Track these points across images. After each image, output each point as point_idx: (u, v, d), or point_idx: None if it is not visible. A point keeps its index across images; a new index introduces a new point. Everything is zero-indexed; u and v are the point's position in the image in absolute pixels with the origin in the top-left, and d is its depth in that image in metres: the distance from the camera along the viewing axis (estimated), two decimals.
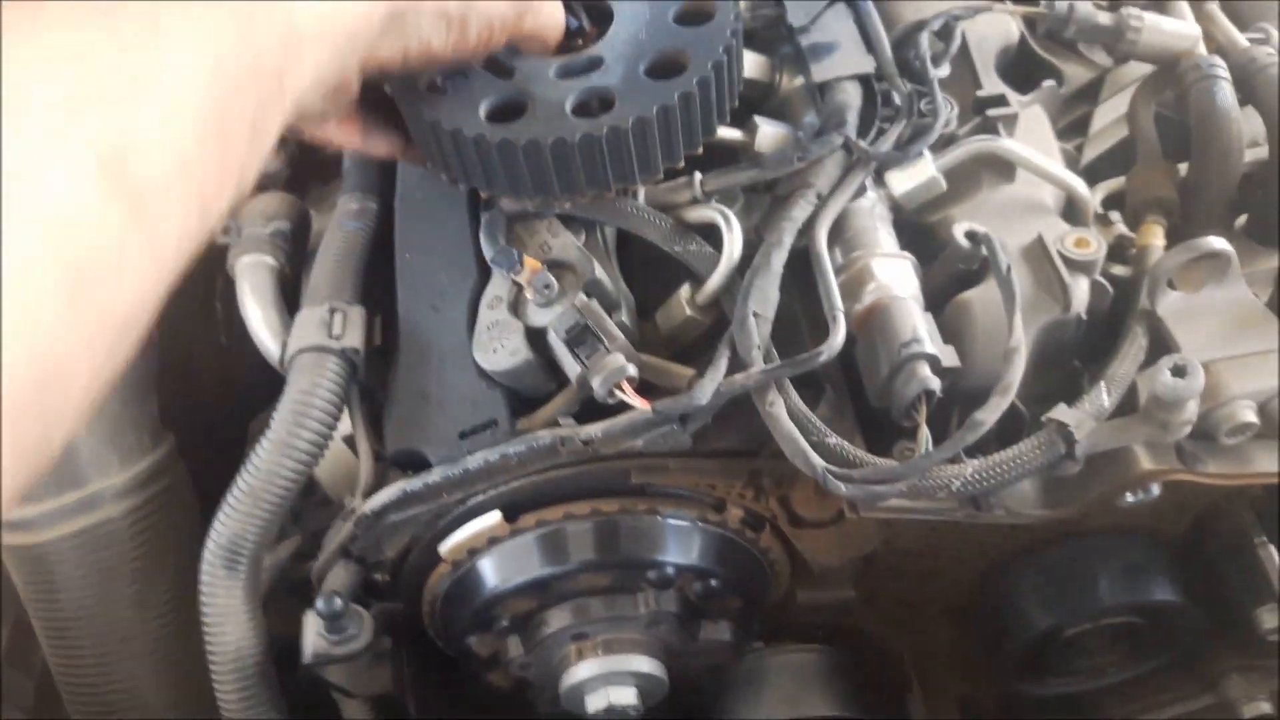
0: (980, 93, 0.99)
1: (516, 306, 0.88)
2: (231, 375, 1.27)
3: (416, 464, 0.89)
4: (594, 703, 0.90)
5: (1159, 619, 0.96)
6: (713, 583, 0.92)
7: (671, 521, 0.89)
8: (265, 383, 1.12)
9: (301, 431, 0.86)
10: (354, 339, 0.91)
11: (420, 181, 1.00)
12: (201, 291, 1.25)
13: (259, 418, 1.13)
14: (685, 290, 0.89)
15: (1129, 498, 0.86)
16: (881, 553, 0.95)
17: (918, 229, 0.94)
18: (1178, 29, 1.02)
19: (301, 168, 1.16)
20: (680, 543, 0.90)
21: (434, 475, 0.86)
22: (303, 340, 0.90)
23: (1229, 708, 1.04)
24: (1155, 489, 0.85)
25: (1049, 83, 1.05)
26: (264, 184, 1.10)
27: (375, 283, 0.99)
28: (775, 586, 0.98)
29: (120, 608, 0.97)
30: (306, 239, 1.06)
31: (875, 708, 1.05)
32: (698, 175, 0.90)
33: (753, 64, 1.00)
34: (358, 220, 0.98)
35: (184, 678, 1.02)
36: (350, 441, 0.95)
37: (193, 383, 1.29)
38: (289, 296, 1.02)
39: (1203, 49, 1.02)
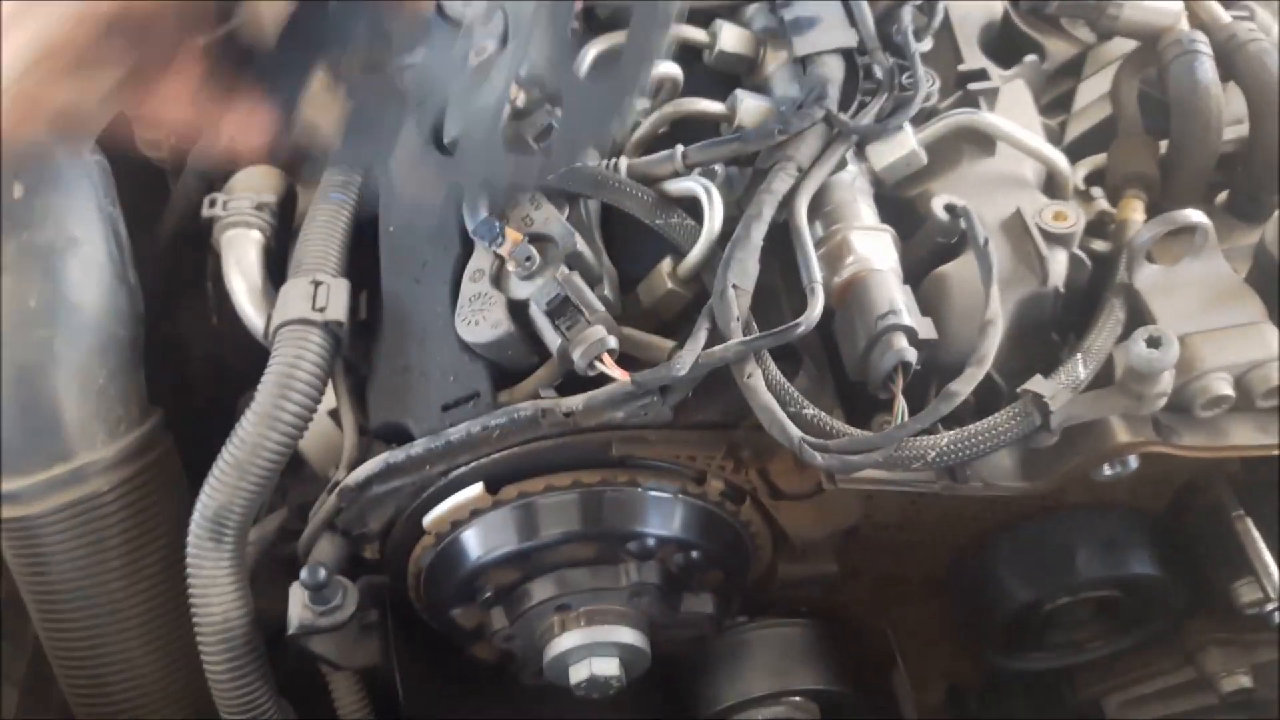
0: (962, 67, 0.99)
1: (498, 279, 0.89)
2: (222, 355, 1.28)
3: (400, 437, 0.89)
4: (577, 673, 0.91)
5: (1138, 592, 0.97)
6: (694, 555, 0.92)
7: (652, 493, 0.90)
8: (255, 362, 1.13)
9: (286, 404, 0.87)
10: (338, 312, 0.91)
11: (404, 155, 1.00)
12: (192, 270, 1.26)
13: (246, 394, 1.13)
14: (666, 263, 0.89)
15: (1106, 470, 0.86)
16: (863, 527, 0.95)
17: (898, 203, 0.95)
18: (1160, 5, 1.02)
19: None
20: (661, 514, 0.90)
21: (416, 447, 0.86)
22: (287, 313, 0.91)
23: (1208, 681, 1.05)
24: (1133, 462, 0.86)
25: (1031, 58, 1.05)
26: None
27: (360, 256, 1.00)
28: (757, 560, 0.99)
29: (109, 580, 0.98)
30: (293, 213, 1.07)
31: (860, 682, 1.06)
32: (680, 148, 0.91)
33: (736, 38, 1.00)
34: (342, 192, 0.99)
35: (175, 649, 1.02)
36: (336, 415, 0.96)
37: (183, 362, 1.30)
38: (275, 270, 1.03)
39: (1185, 25, 1.02)
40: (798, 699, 1.02)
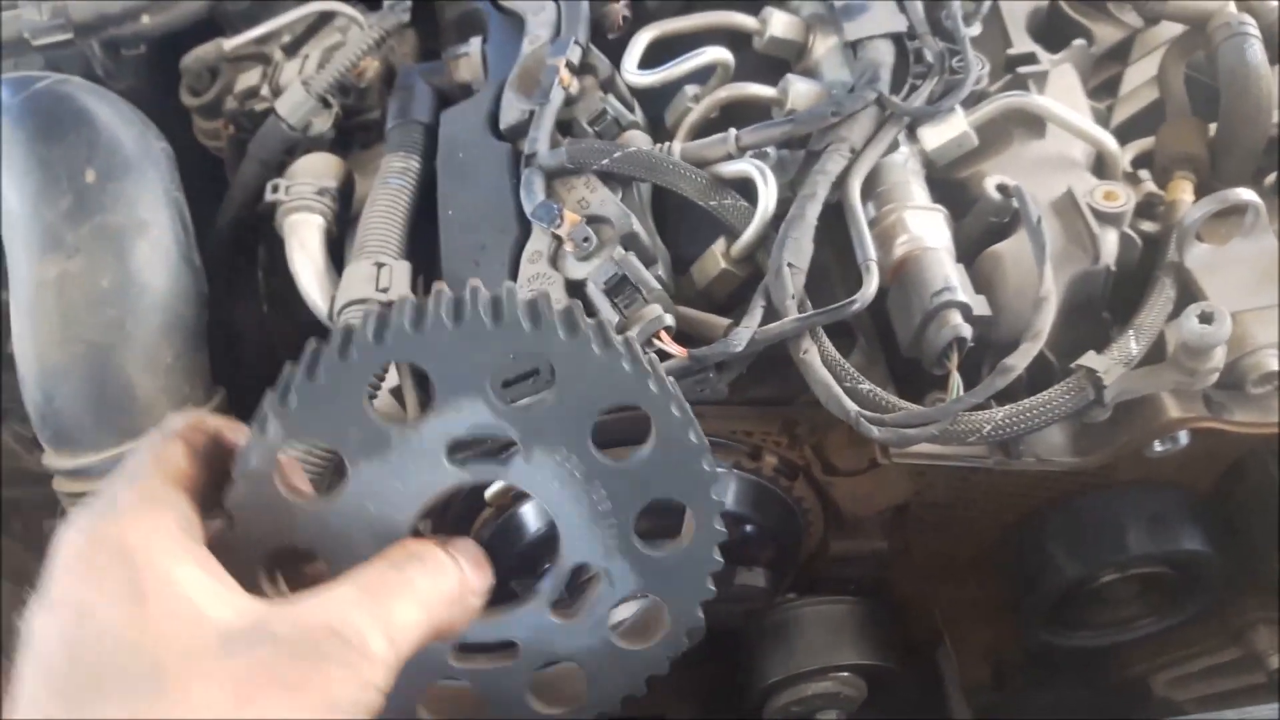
0: (1011, 51, 1.00)
1: (556, 260, 0.91)
2: (272, 343, 1.31)
3: None
4: None
5: (1187, 569, 0.98)
6: (747, 529, 0.94)
7: None
8: (303, 347, 1.15)
9: None
10: (400, 292, 0.94)
11: (461, 141, 1.03)
12: (244, 259, 1.29)
13: None
14: (720, 244, 0.91)
15: (1157, 447, 0.87)
16: (913, 504, 0.97)
17: (949, 185, 0.96)
18: None
19: (345, 131, 1.19)
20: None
21: None
22: (351, 293, 0.94)
23: (1256, 660, 1.06)
24: (1183, 438, 0.87)
25: (1079, 42, 1.06)
26: (310, 146, 1.13)
27: (417, 240, 1.02)
28: (809, 536, 1.00)
29: None
30: (351, 198, 1.09)
31: (906, 659, 1.07)
32: (733, 131, 0.92)
33: (785, 24, 1.02)
34: (402, 177, 1.01)
35: None
36: (397, 393, 0.98)
37: (235, 350, 1.33)
38: (333, 255, 1.06)
39: (1233, 8, 1.03)
40: (845, 674, 1.04)
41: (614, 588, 0.71)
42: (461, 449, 0.64)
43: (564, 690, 0.76)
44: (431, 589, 0.64)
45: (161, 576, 0.56)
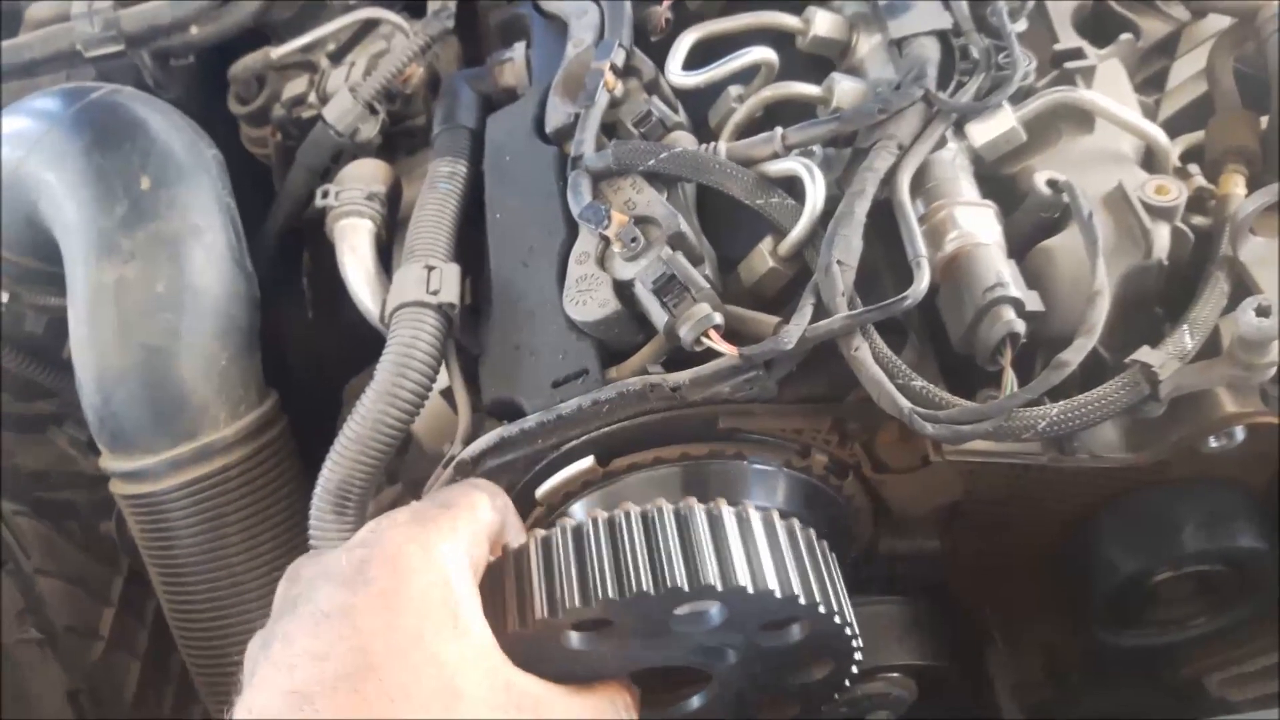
0: (1057, 46, 1.00)
1: (604, 260, 0.91)
2: (316, 348, 1.33)
3: (511, 413, 0.92)
4: None
5: (1243, 566, 0.97)
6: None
7: (756, 466, 0.91)
8: (348, 355, 1.17)
9: (404, 381, 0.90)
10: (450, 295, 0.95)
11: (507, 145, 1.04)
12: (289, 267, 1.31)
13: (354, 379, 1.18)
14: (768, 242, 0.91)
15: (1213, 442, 0.86)
16: (965, 502, 0.96)
17: (998, 180, 0.95)
18: None
19: (390, 137, 1.20)
20: (765, 487, 0.92)
21: (529, 421, 0.89)
22: (403, 296, 0.95)
23: None
24: (1239, 433, 0.86)
25: (1126, 36, 1.05)
26: (357, 152, 1.15)
27: (464, 243, 1.03)
28: (859, 535, 1.00)
29: (231, 554, 1.03)
30: (398, 203, 1.11)
31: (957, 660, 1.06)
32: (779, 130, 0.92)
33: (829, 23, 1.02)
34: (449, 182, 1.02)
35: None
36: (447, 395, 0.99)
37: (281, 354, 1.35)
38: (382, 259, 1.07)
39: None
40: (895, 675, 1.03)
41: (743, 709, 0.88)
42: None
43: None
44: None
45: (471, 615, 0.65)
